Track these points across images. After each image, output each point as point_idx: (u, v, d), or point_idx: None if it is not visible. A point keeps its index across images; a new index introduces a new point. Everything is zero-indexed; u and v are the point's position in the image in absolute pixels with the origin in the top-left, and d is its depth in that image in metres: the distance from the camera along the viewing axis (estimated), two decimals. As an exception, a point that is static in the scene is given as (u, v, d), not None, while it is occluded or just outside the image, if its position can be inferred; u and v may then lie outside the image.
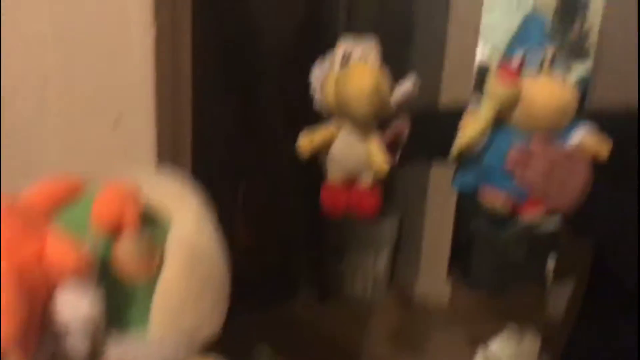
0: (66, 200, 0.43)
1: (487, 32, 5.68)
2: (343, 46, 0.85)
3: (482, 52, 5.33)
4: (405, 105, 0.91)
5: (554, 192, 0.84)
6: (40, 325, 0.37)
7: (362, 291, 2.64)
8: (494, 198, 0.85)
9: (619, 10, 1.72)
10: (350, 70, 0.81)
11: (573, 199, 0.84)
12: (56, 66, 0.74)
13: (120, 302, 0.40)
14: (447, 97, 2.43)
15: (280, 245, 2.48)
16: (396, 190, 2.94)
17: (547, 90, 0.80)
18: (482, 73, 4.28)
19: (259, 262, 2.18)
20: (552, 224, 2.73)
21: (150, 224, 0.45)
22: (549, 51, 0.83)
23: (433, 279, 2.73)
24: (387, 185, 2.96)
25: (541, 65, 0.83)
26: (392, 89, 0.86)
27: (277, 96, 1.86)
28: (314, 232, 2.57)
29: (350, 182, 0.93)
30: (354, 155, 0.89)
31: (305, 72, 0.88)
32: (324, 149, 0.91)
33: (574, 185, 0.83)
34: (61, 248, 0.37)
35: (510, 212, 0.87)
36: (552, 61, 0.83)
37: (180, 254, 0.44)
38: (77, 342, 0.37)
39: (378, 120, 0.90)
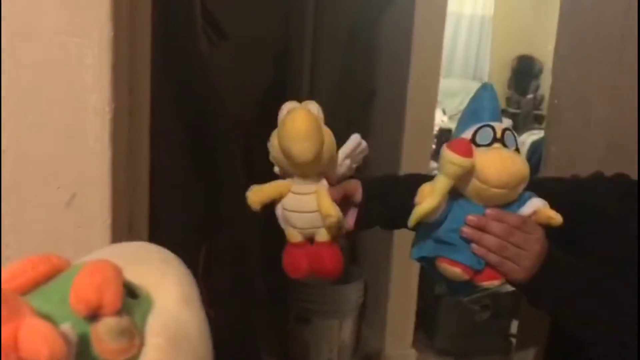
0: (43, 280, 0.41)
1: (445, 97, 5.86)
2: (287, 106, 0.87)
3: (440, 117, 5.50)
4: (357, 167, 0.93)
5: (510, 258, 0.84)
6: None
7: (327, 359, 2.59)
8: (451, 270, 0.85)
9: (565, 76, 1.79)
10: (287, 114, 0.83)
11: (529, 267, 0.84)
12: (11, 143, 0.73)
13: None
14: (407, 158, 2.47)
15: (242, 313, 2.43)
16: (360, 255, 2.94)
17: (499, 163, 0.81)
18: (441, 136, 4.39)
19: (221, 331, 2.12)
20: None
21: (131, 303, 0.43)
22: (499, 128, 0.85)
23: (399, 345, 2.71)
24: (351, 249, 2.96)
25: (493, 141, 0.84)
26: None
27: (239, 169, 1.87)
28: (278, 299, 2.53)
29: (310, 240, 0.93)
30: (304, 209, 0.89)
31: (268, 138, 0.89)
32: (275, 202, 0.91)
33: (529, 252, 0.84)
34: (36, 334, 0.35)
35: (468, 280, 0.87)
36: (503, 136, 0.84)
37: (162, 336, 0.42)
38: None
39: (327, 177, 0.91)
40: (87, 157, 0.73)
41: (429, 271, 0.95)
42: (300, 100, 0.91)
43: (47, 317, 0.38)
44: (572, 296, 0.88)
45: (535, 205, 0.87)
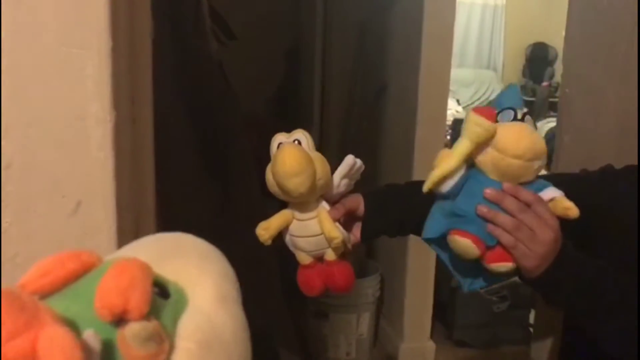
0: (72, 278, 0.39)
1: (459, 87, 5.83)
2: (277, 138, 0.89)
3: (454, 107, 5.47)
4: (355, 181, 0.95)
5: (523, 240, 0.82)
6: None
7: (346, 354, 2.60)
8: (462, 242, 0.83)
9: (576, 65, 1.77)
10: (277, 152, 0.85)
11: (541, 254, 0.83)
12: (16, 154, 0.75)
13: None
14: (420, 150, 2.46)
15: (262, 311, 2.44)
16: (376, 249, 2.94)
17: (517, 132, 0.81)
18: (455, 127, 4.36)
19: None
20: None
21: (161, 303, 0.40)
22: (520, 112, 0.85)
23: (417, 337, 2.71)
24: (368, 244, 2.95)
25: (514, 119, 0.84)
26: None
27: (252, 168, 1.87)
28: (296, 294, 2.54)
29: (320, 260, 0.96)
30: (309, 233, 0.92)
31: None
32: (283, 231, 0.94)
33: (542, 237, 0.82)
34: (55, 345, 0.33)
35: (478, 263, 0.86)
36: (523, 119, 0.85)
37: (193, 340, 0.39)
38: None
39: (326, 197, 0.93)
40: (90, 165, 0.74)
41: (440, 257, 0.94)
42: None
43: (72, 321, 0.36)
44: (586, 293, 0.86)
45: (552, 193, 0.86)
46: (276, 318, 2.52)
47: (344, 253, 0.96)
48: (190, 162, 1.62)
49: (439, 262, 2.68)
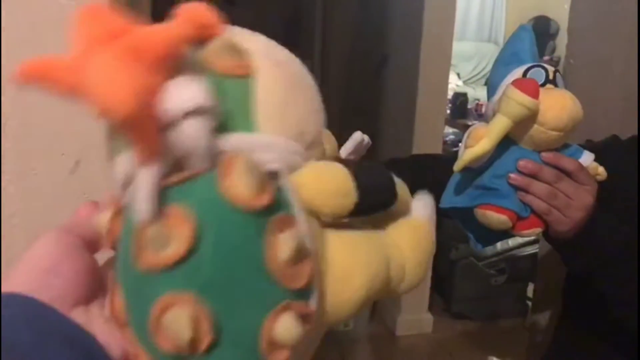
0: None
1: (459, 61, 5.78)
2: None
3: (455, 81, 5.43)
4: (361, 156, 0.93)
5: (559, 207, 0.80)
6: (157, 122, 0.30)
7: (344, 325, 2.61)
8: (497, 217, 0.80)
9: (581, 35, 1.75)
10: None
11: (577, 219, 0.81)
12: (13, 111, 0.73)
13: (222, 103, 0.34)
14: (421, 123, 2.45)
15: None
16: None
17: (560, 103, 0.76)
18: (455, 100, 4.33)
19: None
20: (531, 248, 2.75)
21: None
22: (550, 70, 0.81)
23: (415, 309, 2.72)
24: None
25: (546, 81, 0.80)
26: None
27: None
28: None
29: None
30: None
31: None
32: None
33: (580, 203, 0.80)
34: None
35: (507, 229, 0.83)
36: (555, 78, 0.81)
37: (267, 59, 0.38)
38: (194, 134, 0.31)
39: None
40: (90, 124, 0.72)
41: (459, 220, 0.91)
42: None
43: None
44: (610, 258, 0.84)
45: (589, 158, 0.83)
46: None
47: None
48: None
49: (437, 234, 2.67)
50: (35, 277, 0.31)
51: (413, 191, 1.02)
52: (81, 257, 0.34)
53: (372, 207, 0.38)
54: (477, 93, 5.11)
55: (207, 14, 0.35)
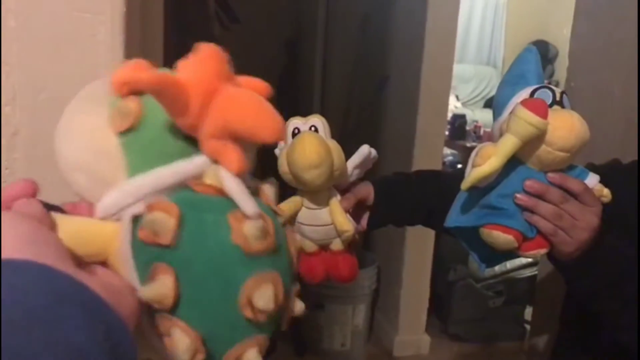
0: None
1: (458, 83, 5.81)
2: (292, 123, 0.86)
3: (453, 103, 5.46)
4: (366, 170, 0.93)
5: (565, 228, 0.80)
6: None
7: (341, 345, 2.60)
8: (504, 237, 0.80)
9: (582, 58, 1.76)
10: (296, 140, 0.81)
11: (582, 240, 0.81)
12: (26, 121, 0.73)
13: None
14: (421, 144, 2.46)
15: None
16: (374, 241, 2.94)
17: (569, 125, 0.76)
18: (454, 122, 4.35)
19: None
20: (529, 270, 2.75)
21: None
22: (558, 91, 0.81)
23: (412, 330, 2.71)
24: (365, 235, 2.94)
25: (553, 103, 0.80)
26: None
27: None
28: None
29: (325, 248, 0.93)
30: (318, 222, 0.90)
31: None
32: (291, 219, 0.91)
33: (585, 224, 0.81)
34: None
35: (511, 250, 0.82)
36: (561, 99, 0.81)
37: None
38: None
39: (337, 186, 0.91)
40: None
41: (463, 240, 0.91)
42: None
43: None
44: (614, 281, 0.85)
45: (595, 180, 0.84)
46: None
47: (350, 243, 0.93)
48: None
49: (436, 255, 2.69)
50: (27, 250, 0.32)
51: (420, 207, 1.01)
52: (48, 227, 0.36)
53: None
54: (476, 115, 5.14)
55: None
